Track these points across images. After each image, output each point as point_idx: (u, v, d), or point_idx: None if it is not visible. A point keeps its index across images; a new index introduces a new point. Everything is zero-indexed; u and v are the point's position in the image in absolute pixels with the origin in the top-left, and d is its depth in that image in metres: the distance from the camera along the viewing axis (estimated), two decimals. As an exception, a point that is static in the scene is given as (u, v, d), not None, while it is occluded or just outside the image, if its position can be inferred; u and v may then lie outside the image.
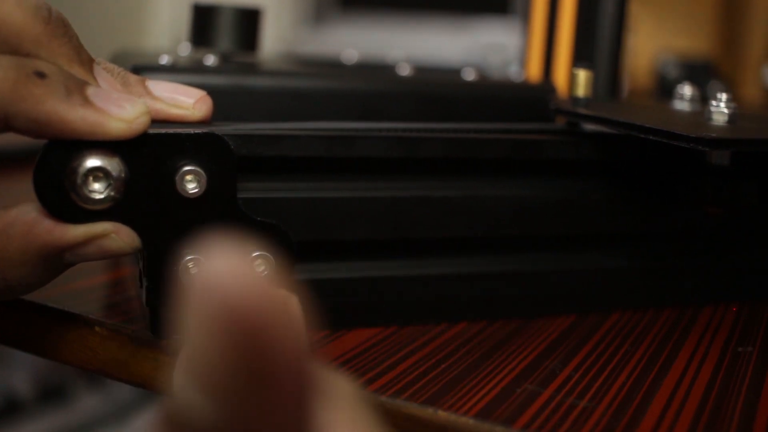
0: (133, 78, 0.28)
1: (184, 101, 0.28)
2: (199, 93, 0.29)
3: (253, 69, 0.36)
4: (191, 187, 0.27)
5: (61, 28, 0.26)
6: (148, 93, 0.28)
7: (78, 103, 0.24)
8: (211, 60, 0.37)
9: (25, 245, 0.25)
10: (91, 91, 0.25)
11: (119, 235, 0.26)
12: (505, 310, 0.33)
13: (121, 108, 0.25)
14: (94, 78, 0.27)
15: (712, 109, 0.32)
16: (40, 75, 0.24)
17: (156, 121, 0.28)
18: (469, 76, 0.42)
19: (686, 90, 0.39)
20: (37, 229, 0.25)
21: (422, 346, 0.30)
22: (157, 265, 0.27)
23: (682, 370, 0.29)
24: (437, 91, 0.38)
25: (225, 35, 0.39)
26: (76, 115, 0.24)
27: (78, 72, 0.26)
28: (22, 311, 0.31)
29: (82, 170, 0.25)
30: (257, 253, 0.28)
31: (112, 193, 0.26)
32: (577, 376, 0.28)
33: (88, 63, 0.27)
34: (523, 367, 0.29)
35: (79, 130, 0.24)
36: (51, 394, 1.02)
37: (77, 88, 0.25)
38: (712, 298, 0.36)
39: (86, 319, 0.30)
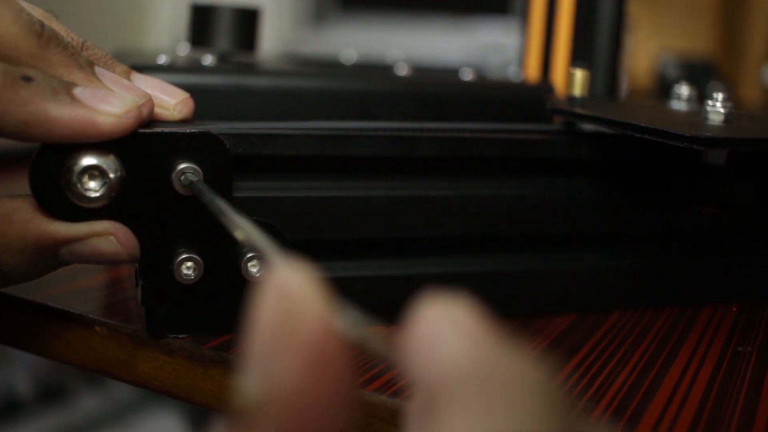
0: (118, 69, 0.28)
1: (166, 101, 0.28)
2: (183, 95, 0.29)
3: (250, 69, 0.36)
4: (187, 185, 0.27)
5: (53, 39, 0.26)
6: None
7: (66, 102, 0.25)
8: (209, 60, 0.37)
9: (25, 232, 0.26)
10: (78, 90, 0.25)
11: (117, 238, 0.26)
12: (504, 310, 0.33)
13: (110, 104, 0.25)
14: (98, 78, 0.27)
15: (708, 108, 0.32)
16: (27, 79, 0.24)
17: None
18: (467, 76, 0.42)
19: (683, 90, 0.39)
20: (37, 218, 0.26)
21: (421, 345, 0.30)
22: (152, 264, 0.27)
23: (682, 370, 0.29)
24: (435, 91, 0.38)
25: (223, 35, 0.39)
26: (64, 113, 0.24)
27: (78, 76, 0.26)
28: (22, 311, 0.31)
29: (77, 168, 0.25)
30: (252, 254, 0.28)
31: (108, 192, 0.26)
32: (577, 376, 0.28)
33: (87, 66, 0.27)
34: (521, 366, 0.28)
35: (68, 127, 0.24)
36: (51, 394, 1.02)
37: (64, 89, 0.25)
38: (710, 298, 0.36)
39: (86, 318, 0.30)
